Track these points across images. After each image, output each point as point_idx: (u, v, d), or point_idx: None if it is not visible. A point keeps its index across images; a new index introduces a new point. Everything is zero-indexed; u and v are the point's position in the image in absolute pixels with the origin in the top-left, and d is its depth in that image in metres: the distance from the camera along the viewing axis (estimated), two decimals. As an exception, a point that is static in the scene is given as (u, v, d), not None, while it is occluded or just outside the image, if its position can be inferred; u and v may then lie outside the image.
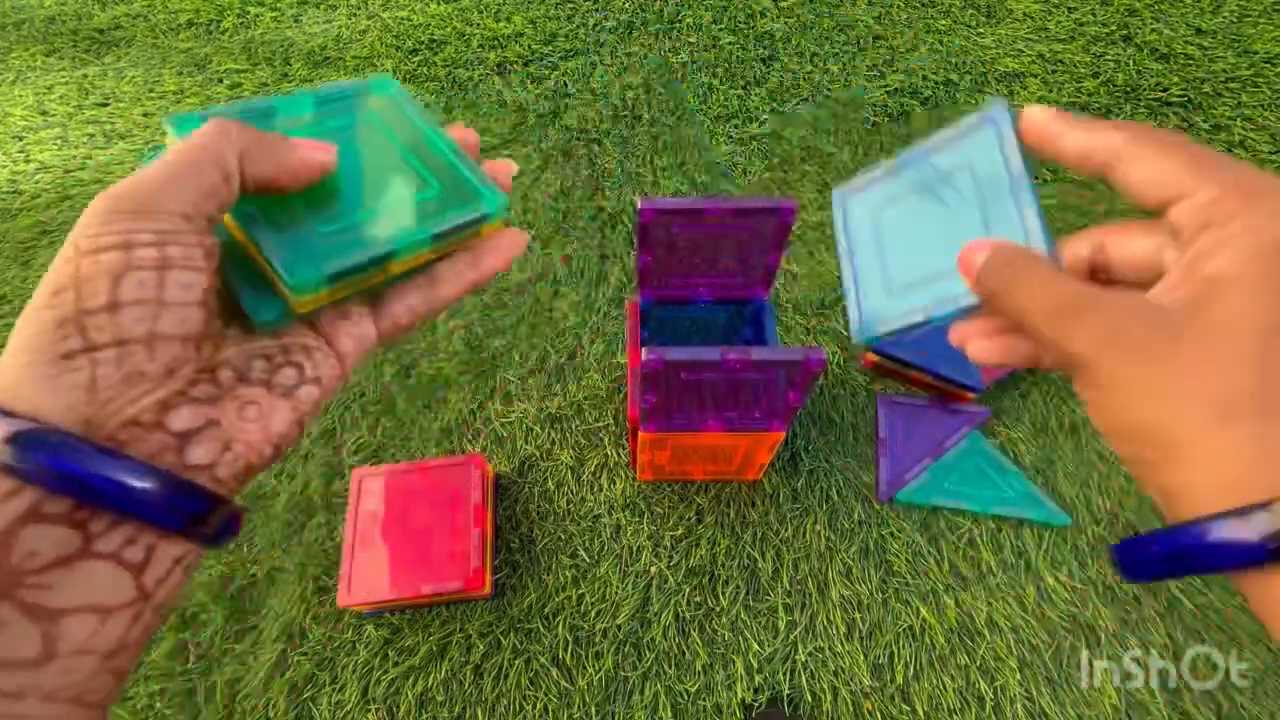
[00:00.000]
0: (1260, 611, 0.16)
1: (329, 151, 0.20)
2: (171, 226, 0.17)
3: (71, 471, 0.15)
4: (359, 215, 0.21)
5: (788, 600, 0.56)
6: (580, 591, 0.56)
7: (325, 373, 0.20)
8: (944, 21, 1.01)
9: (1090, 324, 0.18)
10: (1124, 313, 0.18)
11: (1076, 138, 0.20)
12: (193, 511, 0.16)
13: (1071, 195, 0.81)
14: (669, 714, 0.51)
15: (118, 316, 0.17)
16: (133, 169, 0.85)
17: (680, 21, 1.01)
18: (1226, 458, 0.16)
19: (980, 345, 0.23)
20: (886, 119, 0.89)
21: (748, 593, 0.56)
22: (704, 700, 0.52)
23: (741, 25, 1.00)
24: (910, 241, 0.25)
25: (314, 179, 0.20)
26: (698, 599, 0.56)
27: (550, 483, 0.61)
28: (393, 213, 0.21)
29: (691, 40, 0.98)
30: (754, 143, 0.86)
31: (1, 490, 0.15)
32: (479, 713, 0.51)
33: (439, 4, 1.05)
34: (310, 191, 0.20)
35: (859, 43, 0.98)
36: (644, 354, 0.38)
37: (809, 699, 0.52)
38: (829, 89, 0.92)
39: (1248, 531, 0.15)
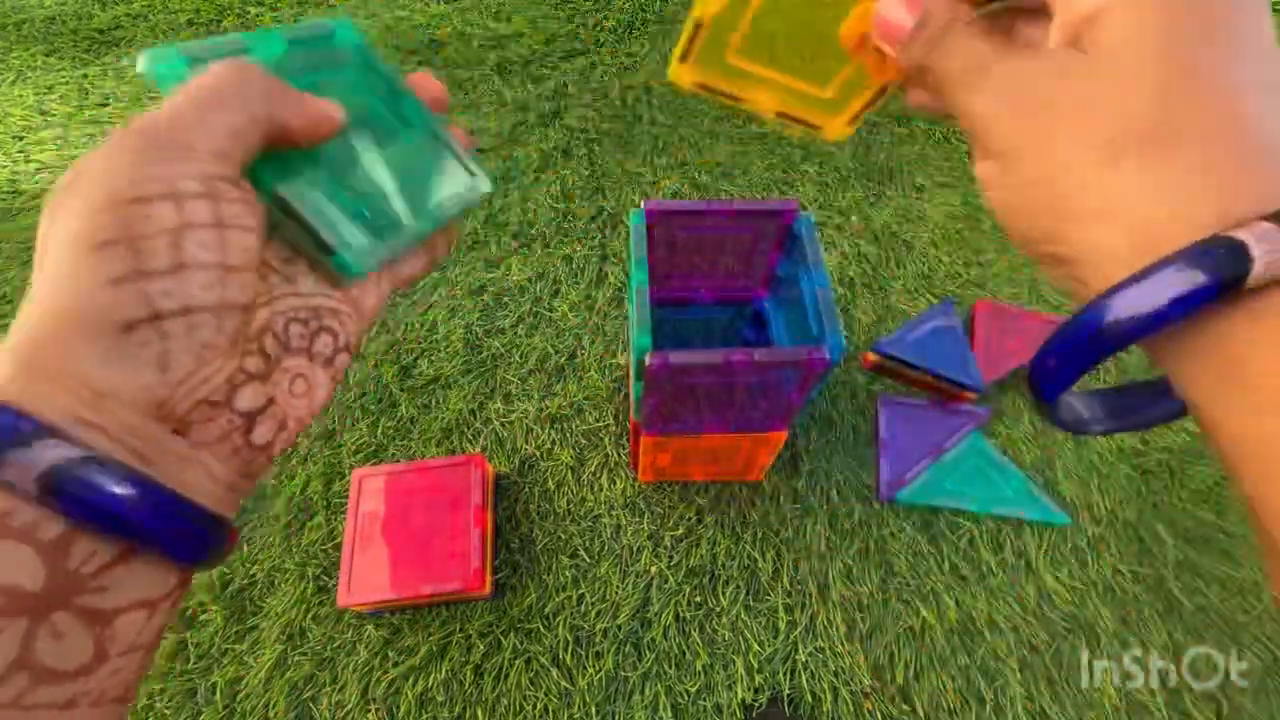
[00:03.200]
0: (1181, 379, 0.14)
1: (339, 110, 0.18)
2: (215, 171, 0.16)
3: (101, 510, 0.13)
4: (381, 193, 0.21)
5: (788, 600, 0.56)
6: (580, 591, 0.56)
7: (352, 336, 0.19)
8: (944, 22, 1.01)
9: (989, 83, 0.16)
10: (1016, 67, 0.16)
11: None
12: (199, 539, 0.15)
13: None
14: (669, 714, 0.51)
15: (185, 283, 0.15)
16: (133, 169, 0.85)
17: (680, 21, 1.01)
18: (1116, 206, 0.14)
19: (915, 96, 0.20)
20: (888, 119, 0.89)
21: (748, 593, 0.56)
22: (704, 700, 0.52)
23: (742, 25, 1.00)
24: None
25: (326, 138, 0.18)
26: (698, 599, 0.56)
27: (550, 483, 0.61)
28: (411, 194, 0.22)
29: (692, 40, 0.98)
30: (754, 143, 0.86)
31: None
32: (479, 713, 0.51)
33: (439, 4, 1.05)
34: (321, 155, 0.19)
35: (859, 43, 0.98)
36: (648, 358, 0.38)
37: (809, 699, 0.52)
38: (829, 89, 0.92)
39: (1145, 303, 0.13)
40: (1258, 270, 0.12)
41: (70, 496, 0.13)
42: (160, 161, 0.15)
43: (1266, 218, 0.12)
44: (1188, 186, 0.13)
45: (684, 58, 0.22)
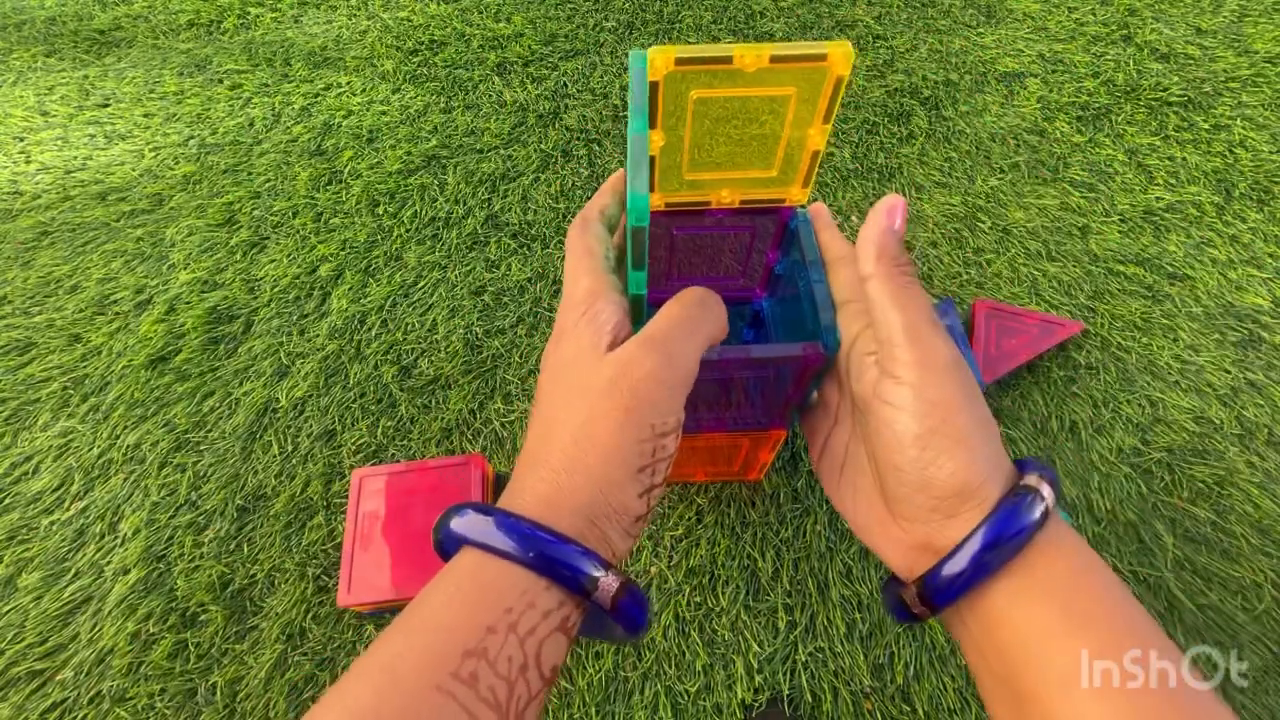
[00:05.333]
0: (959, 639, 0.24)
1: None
2: (678, 419, 0.26)
3: (634, 607, 0.23)
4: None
5: (788, 600, 0.56)
6: (580, 591, 0.56)
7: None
8: (944, 21, 1.01)
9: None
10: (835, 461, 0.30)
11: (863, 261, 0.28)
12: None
13: (1072, 196, 0.81)
14: (669, 714, 0.51)
15: (656, 495, 0.25)
16: (133, 170, 0.85)
17: (680, 21, 1.01)
18: (890, 552, 0.26)
19: None
20: (887, 119, 0.89)
21: (748, 593, 0.56)
22: (704, 700, 0.52)
23: (741, 25, 1.00)
24: None
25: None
26: (698, 599, 0.56)
27: (550, 483, 0.61)
28: None
29: (691, 40, 0.98)
30: (753, 143, 0.86)
31: (570, 615, 0.22)
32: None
33: (439, 4, 1.05)
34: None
35: (859, 43, 0.98)
36: None
37: (809, 699, 0.52)
38: (829, 89, 0.92)
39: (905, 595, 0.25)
40: (1050, 505, 0.22)
41: (624, 611, 0.23)
42: (675, 406, 0.25)
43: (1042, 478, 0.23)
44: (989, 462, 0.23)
45: (652, 189, 0.29)
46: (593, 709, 0.51)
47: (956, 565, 0.22)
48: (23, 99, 0.93)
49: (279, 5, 1.06)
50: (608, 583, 0.22)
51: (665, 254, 0.49)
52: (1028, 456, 0.26)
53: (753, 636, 0.54)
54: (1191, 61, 0.94)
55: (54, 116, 0.91)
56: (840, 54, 0.25)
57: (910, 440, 0.23)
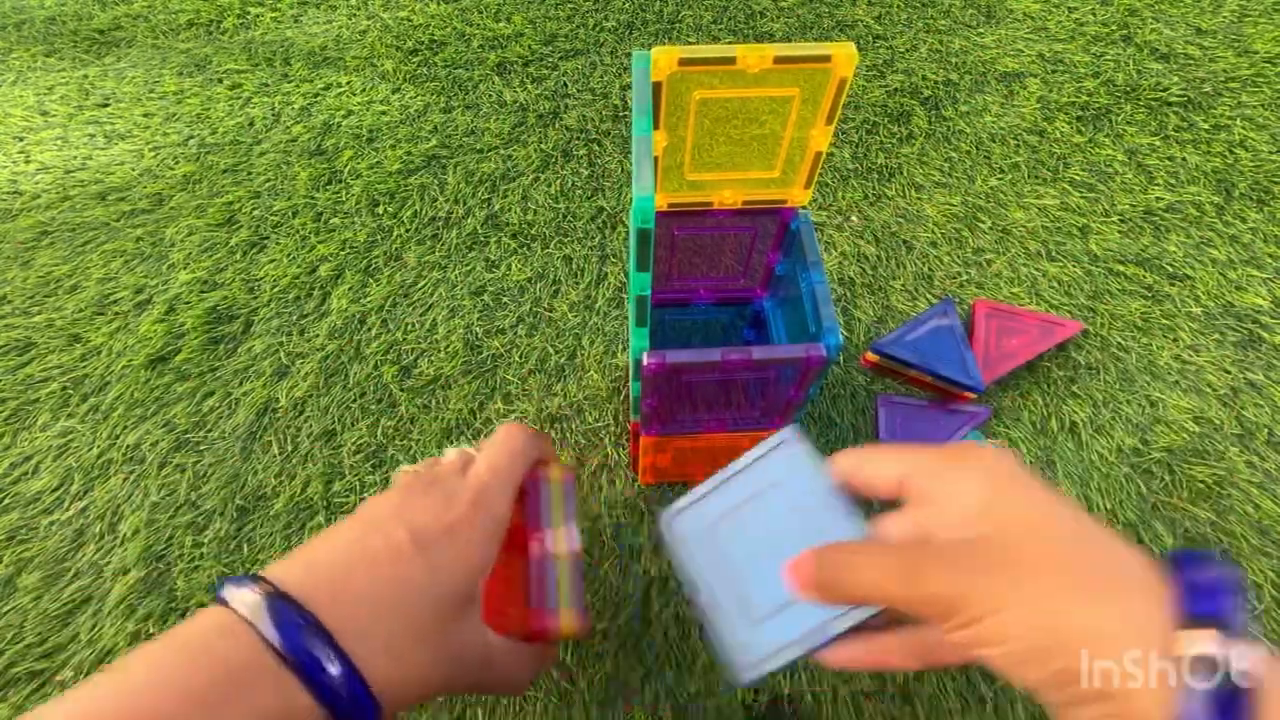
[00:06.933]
0: None
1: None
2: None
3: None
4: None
5: (788, 600, 0.56)
6: (580, 592, 0.56)
7: None
8: (944, 21, 1.01)
9: (936, 565, 0.20)
10: (952, 549, 0.21)
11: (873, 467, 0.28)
12: None
13: (1072, 196, 0.81)
14: (670, 714, 0.51)
15: None
16: (133, 169, 0.85)
17: (680, 21, 1.01)
18: (1120, 631, 0.21)
19: (852, 657, 0.27)
20: (887, 119, 0.89)
21: (748, 593, 0.56)
22: (705, 701, 0.52)
23: (741, 25, 1.00)
24: (752, 565, 0.28)
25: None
26: (698, 599, 0.56)
27: (550, 483, 0.61)
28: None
29: (691, 40, 0.98)
30: (753, 143, 0.86)
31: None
32: (479, 713, 0.51)
33: (439, 4, 1.05)
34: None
35: (859, 43, 0.98)
36: (645, 358, 0.38)
37: (809, 700, 0.52)
38: (829, 89, 0.92)
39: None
40: None
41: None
42: None
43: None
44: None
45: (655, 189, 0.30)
46: (593, 710, 0.51)
47: None
48: (22, 99, 0.93)
49: (279, 5, 1.06)
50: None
51: (666, 254, 0.49)
52: (1179, 553, 0.21)
53: (753, 637, 0.54)
54: (1191, 61, 0.94)
55: (53, 116, 0.91)
56: (844, 55, 0.25)
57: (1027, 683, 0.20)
